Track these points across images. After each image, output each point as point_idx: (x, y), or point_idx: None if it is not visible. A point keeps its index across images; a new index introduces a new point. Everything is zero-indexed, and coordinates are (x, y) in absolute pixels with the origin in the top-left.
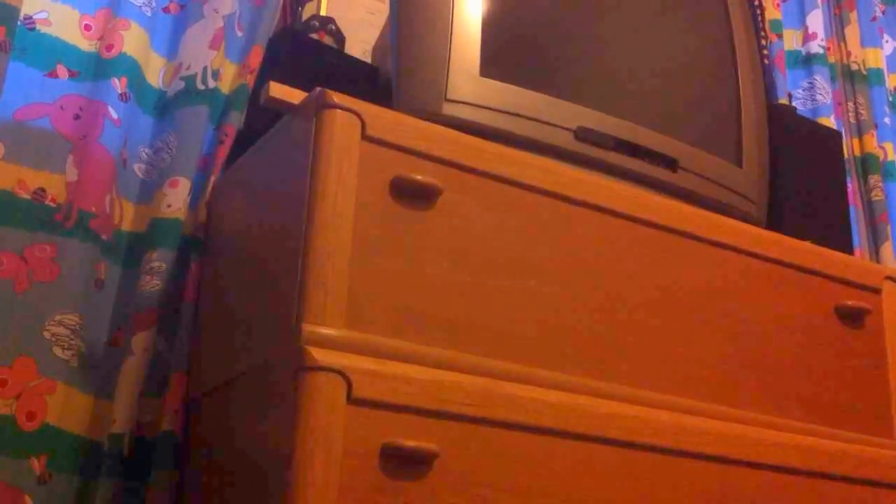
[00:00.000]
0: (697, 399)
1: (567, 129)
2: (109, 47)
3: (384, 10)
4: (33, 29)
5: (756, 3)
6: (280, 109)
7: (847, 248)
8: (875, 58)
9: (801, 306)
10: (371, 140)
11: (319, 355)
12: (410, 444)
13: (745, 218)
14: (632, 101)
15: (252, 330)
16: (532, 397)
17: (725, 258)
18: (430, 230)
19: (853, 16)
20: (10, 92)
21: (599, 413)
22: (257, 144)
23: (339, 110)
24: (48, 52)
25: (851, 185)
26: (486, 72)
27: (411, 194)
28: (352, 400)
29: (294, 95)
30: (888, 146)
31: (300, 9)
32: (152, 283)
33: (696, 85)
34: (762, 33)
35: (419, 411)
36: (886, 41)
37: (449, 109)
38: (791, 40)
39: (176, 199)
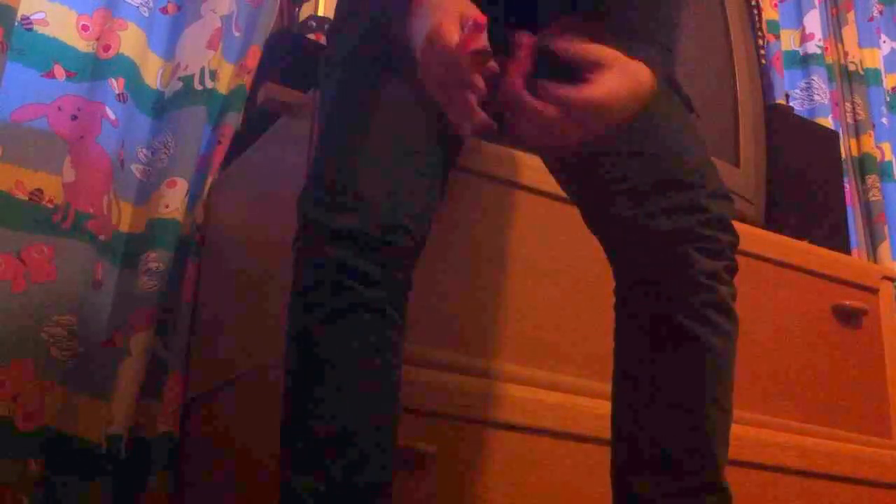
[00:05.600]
0: None
1: None
2: (107, 47)
3: None
4: (31, 29)
5: (753, 3)
6: (277, 110)
7: (844, 248)
8: (872, 58)
9: (798, 306)
10: None
11: None
12: (407, 444)
13: (743, 218)
14: None
15: (250, 330)
16: (531, 398)
17: None
18: None
19: (850, 16)
20: (8, 92)
21: (599, 413)
22: (255, 145)
23: None
24: (46, 53)
25: (849, 186)
26: None
27: None
28: None
29: (291, 96)
30: (886, 146)
31: (297, 9)
32: (150, 284)
33: (693, 85)
34: (760, 34)
35: (417, 412)
36: (884, 41)
37: None
38: (788, 41)
39: (174, 200)
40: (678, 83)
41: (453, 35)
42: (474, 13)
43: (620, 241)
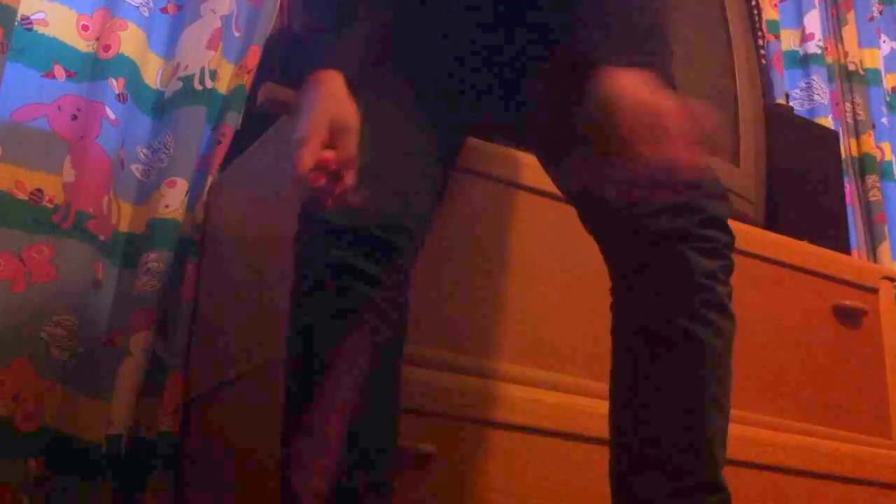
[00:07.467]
0: None
1: None
2: (107, 48)
3: None
4: (31, 29)
5: (754, 3)
6: (277, 110)
7: (844, 248)
8: (872, 58)
9: (798, 306)
10: None
11: None
12: (407, 445)
13: (743, 218)
14: None
15: (250, 330)
16: (530, 398)
17: None
18: None
19: (850, 16)
20: (8, 93)
21: (599, 413)
22: (255, 145)
23: None
24: (46, 53)
25: (849, 186)
26: None
27: None
28: None
29: (291, 96)
30: (885, 146)
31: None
32: (150, 284)
33: (693, 85)
34: (760, 33)
35: (417, 412)
36: (884, 41)
37: None
38: (789, 40)
39: (174, 200)
40: (671, 82)
41: (306, 162)
42: (346, 121)
43: (616, 242)
